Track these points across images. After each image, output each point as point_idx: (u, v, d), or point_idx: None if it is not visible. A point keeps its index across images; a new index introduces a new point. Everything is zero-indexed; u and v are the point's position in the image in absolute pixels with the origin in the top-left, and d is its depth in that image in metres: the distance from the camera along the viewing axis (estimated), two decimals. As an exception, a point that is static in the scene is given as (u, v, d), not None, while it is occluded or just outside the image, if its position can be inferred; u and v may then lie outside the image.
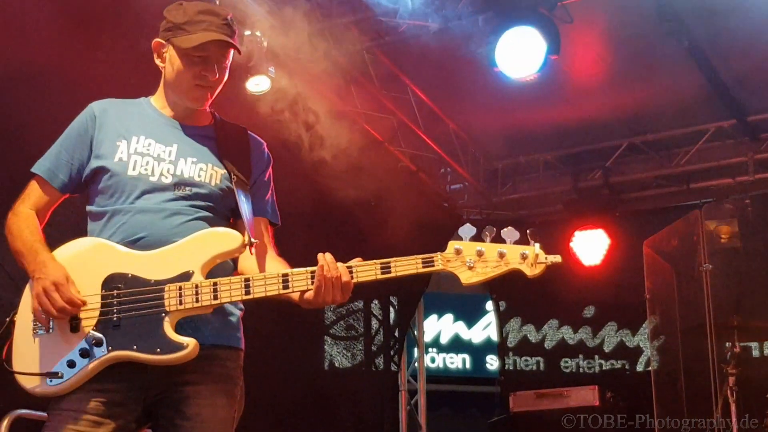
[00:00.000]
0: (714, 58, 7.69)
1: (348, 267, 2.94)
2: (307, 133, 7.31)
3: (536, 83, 6.77)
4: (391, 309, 9.97)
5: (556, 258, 2.89)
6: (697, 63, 7.66)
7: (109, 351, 2.89)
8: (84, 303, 2.91)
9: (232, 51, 3.16)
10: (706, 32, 7.34)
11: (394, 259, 2.93)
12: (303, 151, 7.43)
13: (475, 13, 6.76)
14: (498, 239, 2.91)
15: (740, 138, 9.03)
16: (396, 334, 9.91)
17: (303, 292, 2.96)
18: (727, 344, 7.05)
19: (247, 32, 6.77)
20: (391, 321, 9.92)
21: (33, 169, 3.18)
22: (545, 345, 10.23)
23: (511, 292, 10.22)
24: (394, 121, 8.71)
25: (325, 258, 2.93)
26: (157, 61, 3.20)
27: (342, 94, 8.02)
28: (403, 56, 7.89)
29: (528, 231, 2.90)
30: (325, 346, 9.49)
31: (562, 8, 6.69)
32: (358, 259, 2.97)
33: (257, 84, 7.11)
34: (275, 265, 3.12)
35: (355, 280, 2.94)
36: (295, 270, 2.97)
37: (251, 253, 3.05)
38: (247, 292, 2.93)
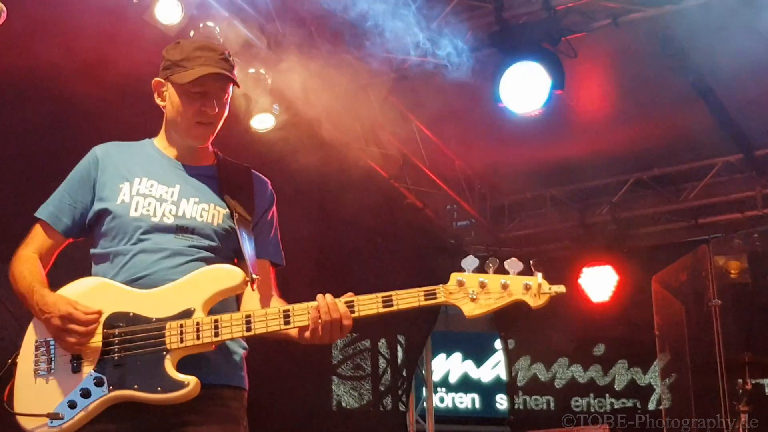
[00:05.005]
0: (720, 92, 7.68)
1: (349, 304, 2.90)
2: (312, 171, 7.31)
3: (541, 118, 6.76)
4: (399, 348, 9.90)
5: (560, 288, 2.84)
6: (703, 97, 7.65)
7: (110, 390, 2.85)
8: (100, 312, 2.89)
9: (231, 86, 3.15)
10: (712, 66, 7.33)
11: (396, 292, 2.89)
12: (308, 189, 7.42)
13: (479, 48, 6.77)
14: (501, 270, 2.86)
15: (748, 172, 9.01)
16: (404, 373, 9.84)
17: (302, 329, 2.92)
18: (739, 381, 6.94)
19: (251, 70, 6.79)
20: (399, 360, 9.86)
21: (36, 214, 3.18)
22: (555, 384, 10.13)
23: (519, 330, 10.15)
24: (400, 157, 8.70)
25: (325, 300, 2.89)
26: (158, 101, 3.20)
27: (346, 131, 8.01)
28: (408, 92, 7.89)
29: (531, 261, 2.85)
30: (333, 386, 9.41)
31: (566, 43, 6.68)
32: (350, 294, 2.93)
33: (261, 122, 7.13)
34: (277, 306, 3.06)
35: (356, 315, 2.90)
36: (296, 306, 2.92)
37: (253, 290, 3.02)
38: (248, 329, 2.89)
